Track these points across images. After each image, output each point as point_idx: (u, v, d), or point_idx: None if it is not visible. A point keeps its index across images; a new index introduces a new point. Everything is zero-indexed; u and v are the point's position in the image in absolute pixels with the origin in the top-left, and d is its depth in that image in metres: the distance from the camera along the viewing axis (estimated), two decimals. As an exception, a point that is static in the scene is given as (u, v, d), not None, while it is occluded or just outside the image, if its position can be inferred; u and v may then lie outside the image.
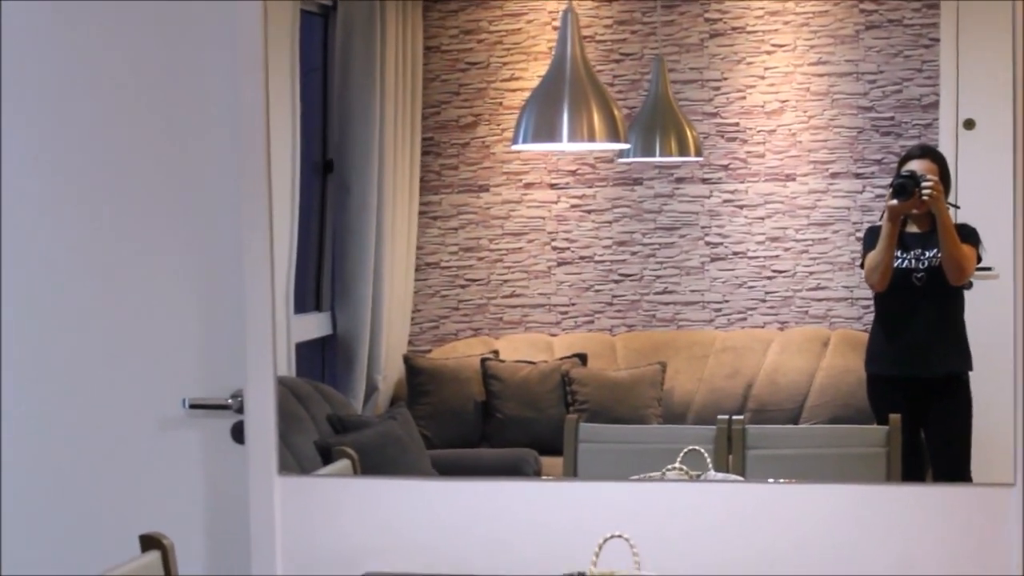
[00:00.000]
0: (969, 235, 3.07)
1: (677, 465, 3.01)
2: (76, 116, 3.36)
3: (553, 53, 2.84)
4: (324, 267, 3.51)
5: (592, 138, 2.76)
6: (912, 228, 3.14)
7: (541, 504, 2.95)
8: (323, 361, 3.52)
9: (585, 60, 2.80)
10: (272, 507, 3.01)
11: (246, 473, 3.04)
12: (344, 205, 3.48)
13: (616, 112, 2.80)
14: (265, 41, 3.01)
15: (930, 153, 3.13)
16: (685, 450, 3.06)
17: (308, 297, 3.49)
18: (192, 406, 3.27)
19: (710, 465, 3.04)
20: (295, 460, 3.13)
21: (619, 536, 2.61)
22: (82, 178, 3.37)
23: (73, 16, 3.33)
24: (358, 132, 3.46)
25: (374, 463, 3.22)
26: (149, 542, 2.72)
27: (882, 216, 3.14)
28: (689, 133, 3.32)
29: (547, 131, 2.79)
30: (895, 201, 3.11)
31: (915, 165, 3.12)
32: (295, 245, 3.32)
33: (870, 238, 3.17)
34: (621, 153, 3.30)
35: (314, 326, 3.49)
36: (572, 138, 2.75)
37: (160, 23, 3.30)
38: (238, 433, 3.20)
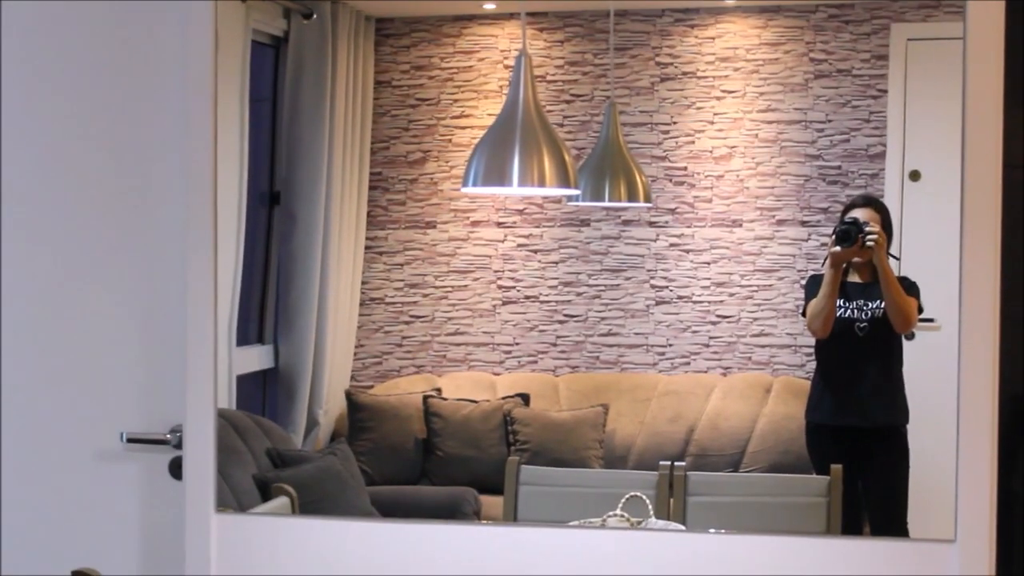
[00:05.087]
0: (909, 288, 3.10)
1: (618, 512, 3.01)
2: (18, 140, 3.31)
3: (506, 96, 2.83)
4: (268, 300, 3.49)
5: (542, 183, 2.75)
6: (854, 278, 3.16)
7: (480, 548, 2.93)
8: (264, 394, 3.50)
9: (537, 105, 2.79)
10: (208, 545, 2.97)
11: (183, 509, 3.01)
12: (290, 237, 3.46)
13: (567, 157, 2.79)
14: (215, 70, 2.99)
15: (873, 203, 3.16)
16: (627, 496, 3.05)
17: (251, 329, 3.46)
18: (130, 440, 3.23)
19: (651, 512, 3.04)
20: (232, 494, 3.10)
21: (559, 584, 2.60)
22: (23, 204, 3.32)
23: (15, 40, 3.29)
24: (306, 164, 3.44)
25: (313, 499, 3.20)
26: (82, 578, 2.70)
27: (824, 263, 3.16)
28: (639, 179, 3.32)
29: (497, 175, 2.77)
30: (838, 248, 3.13)
31: (858, 213, 3.15)
32: (239, 277, 3.29)
33: (812, 286, 3.19)
34: (570, 196, 3.30)
35: (256, 359, 3.46)
36: (522, 183, 2.73)
37: (108, 49, 3.26)
38: (176, 468, 3.16)
